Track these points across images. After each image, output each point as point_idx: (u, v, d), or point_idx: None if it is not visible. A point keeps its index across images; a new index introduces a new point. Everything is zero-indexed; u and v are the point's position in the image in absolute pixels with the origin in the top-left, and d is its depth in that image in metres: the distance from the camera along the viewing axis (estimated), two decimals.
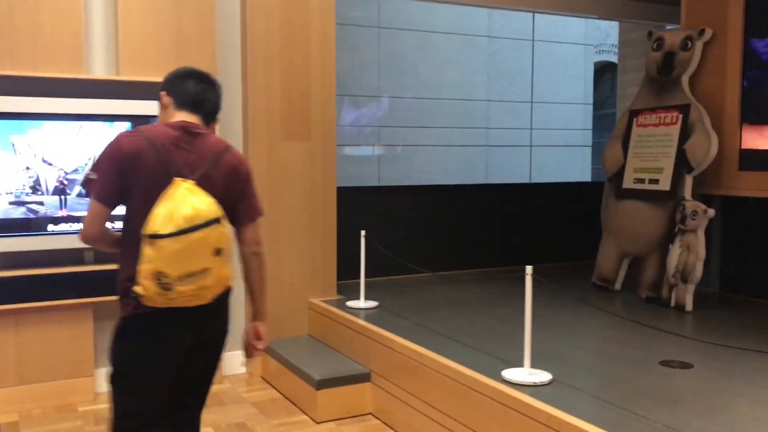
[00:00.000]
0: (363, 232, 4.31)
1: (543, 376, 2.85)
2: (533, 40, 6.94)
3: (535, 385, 2.80)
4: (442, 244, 5.47)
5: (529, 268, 2.88)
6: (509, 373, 2.89)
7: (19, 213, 3.71)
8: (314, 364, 3.85)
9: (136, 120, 3.82)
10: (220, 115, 2.43)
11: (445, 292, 4.78)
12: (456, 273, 5.38)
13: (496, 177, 6.31)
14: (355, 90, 5.68)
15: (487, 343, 3.46)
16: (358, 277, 4.34)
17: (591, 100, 9.02)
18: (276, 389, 4.18)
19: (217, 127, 4.06)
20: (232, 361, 4.42)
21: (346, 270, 4.64)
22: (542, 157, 7.09)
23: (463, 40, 6.35)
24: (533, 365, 2.98)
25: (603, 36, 9.50)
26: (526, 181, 6.67)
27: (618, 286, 4.77)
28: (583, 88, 8.80)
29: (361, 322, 3.89)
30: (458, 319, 3.99)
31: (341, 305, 4.30)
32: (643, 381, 2.91)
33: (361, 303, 4.31)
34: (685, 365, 3.09)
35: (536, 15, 6.81)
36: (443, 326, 3.81)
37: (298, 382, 3.84)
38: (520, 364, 2.94)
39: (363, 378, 3.73)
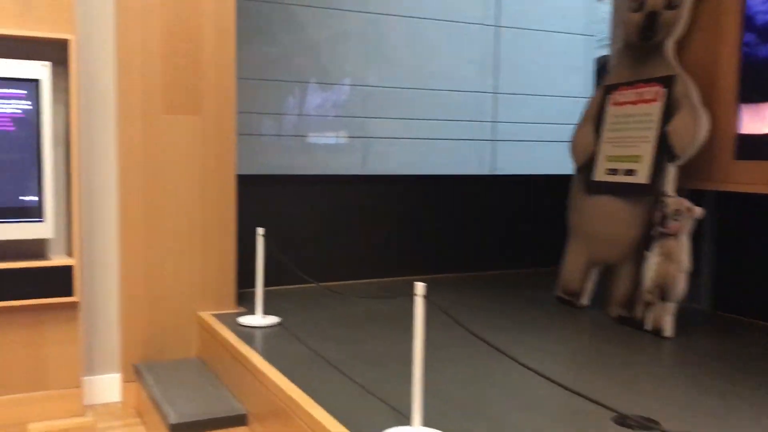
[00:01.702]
0: (260, 230, 3.45)
1: None
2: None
3: None
4: (378, 244, 4.61)
5: (420, 287, 2.00)
6: None
7: None
8: (179, 400, 2.99)
9: None
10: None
11: (375, 305, 3.91)
12: (395, 280, 4.52)
13: (495, 171, 5.54)
14: (338, 77, 4.90)
15: (388, 382, 2.59)
16: (275, 284, 3.49)
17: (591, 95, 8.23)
18: (144, 426, 3.32)
19: (75, 98, 3.18)
20: (101, 386, 3.58)
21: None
22: (541, 152, 6.34)
23: (454, 27, 5.58)
24: (432, 422, 2.12)
25: (606, 29, 8.65)
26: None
27: (585, 300, 3.89)
28: (583, 81, 8.05)
29: (238, 346, 3.02)
30: (371, 344, 3.12)
31: (232, 321, 3.44)
32: None
33: (257, 319, 3.44)
34: (648, 424, 2.21)
35: (532, 3, 6.11)
36: (345, 354, 2.94)
37: (158, 422, 2.99)
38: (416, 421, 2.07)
39: (235, 421, 2.86)
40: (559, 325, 3.52)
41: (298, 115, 4.87)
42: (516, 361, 1.93)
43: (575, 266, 3.94)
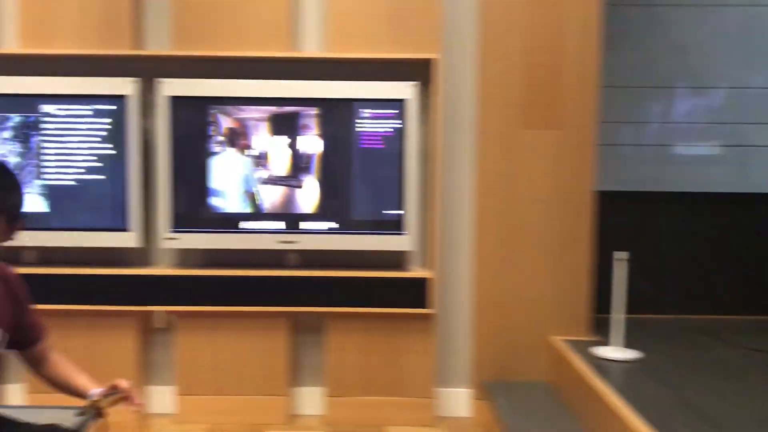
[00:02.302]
0: (621, 255, 3.13)
1: None
2: None
3: None
4: (757, 274, 3.93)
5: None
6: None
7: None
8: (529, 428, 2.84)
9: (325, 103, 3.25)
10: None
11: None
12: None
13: None
14: (712, 80, 4.42)
15: None
16: (632, 312, 3.18)
17: None
18: None
19: (439, 116, 3.25)
20: (451, 400, 3.61)
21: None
22: None
23: None
24: None
25: None
26: None
27: None
28: None
29: (593, 379, 2.75)
30: (758, 399, 2.61)
31: (585, 350, 3.19)
32: None
33: (614, 351, 3.13)
34: None
35: None
36: (725, 408, 2.50)
37: None
38: None
39: None
40: None
41: (662, 123, 4.42)
42: None
43: None
